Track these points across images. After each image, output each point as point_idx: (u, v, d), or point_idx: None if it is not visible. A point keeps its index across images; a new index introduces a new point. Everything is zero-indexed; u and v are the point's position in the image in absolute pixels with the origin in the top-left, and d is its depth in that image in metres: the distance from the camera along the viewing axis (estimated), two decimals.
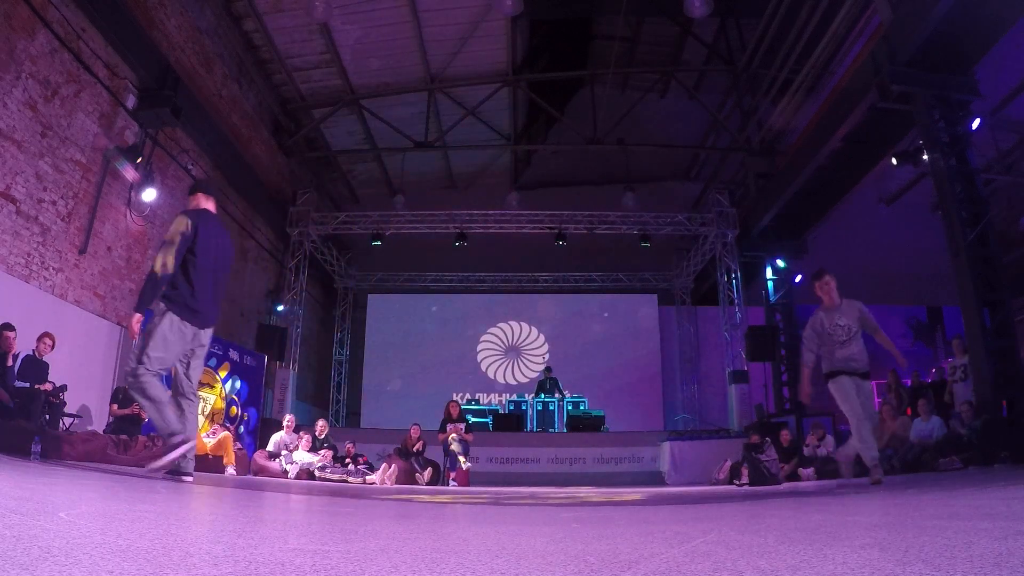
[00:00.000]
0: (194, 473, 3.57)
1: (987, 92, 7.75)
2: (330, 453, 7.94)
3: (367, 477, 7.46)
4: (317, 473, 7.45)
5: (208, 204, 3.82)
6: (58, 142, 6.70)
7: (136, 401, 6.18)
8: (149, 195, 8.09)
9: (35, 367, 5.73)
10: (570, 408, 11.90)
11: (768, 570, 0.95)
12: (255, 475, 7.35)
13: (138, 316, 3.40)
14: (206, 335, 3.62)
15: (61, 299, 6.80)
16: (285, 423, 8.11)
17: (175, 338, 3.43)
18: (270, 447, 7.88)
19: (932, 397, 7.47)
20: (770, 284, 12.80)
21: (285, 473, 7.44)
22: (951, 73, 7.13)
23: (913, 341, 13.62)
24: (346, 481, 7.31)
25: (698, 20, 10.51)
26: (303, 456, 7.66)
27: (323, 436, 8.25)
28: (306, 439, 7.89)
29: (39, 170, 6.45)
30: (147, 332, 3.41)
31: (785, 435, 8.03)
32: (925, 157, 7.54)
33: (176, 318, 3.43)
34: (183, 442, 3.40)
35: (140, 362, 3.34)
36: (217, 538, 1.30)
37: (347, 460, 8.06)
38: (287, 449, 7.77)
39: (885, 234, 12.97)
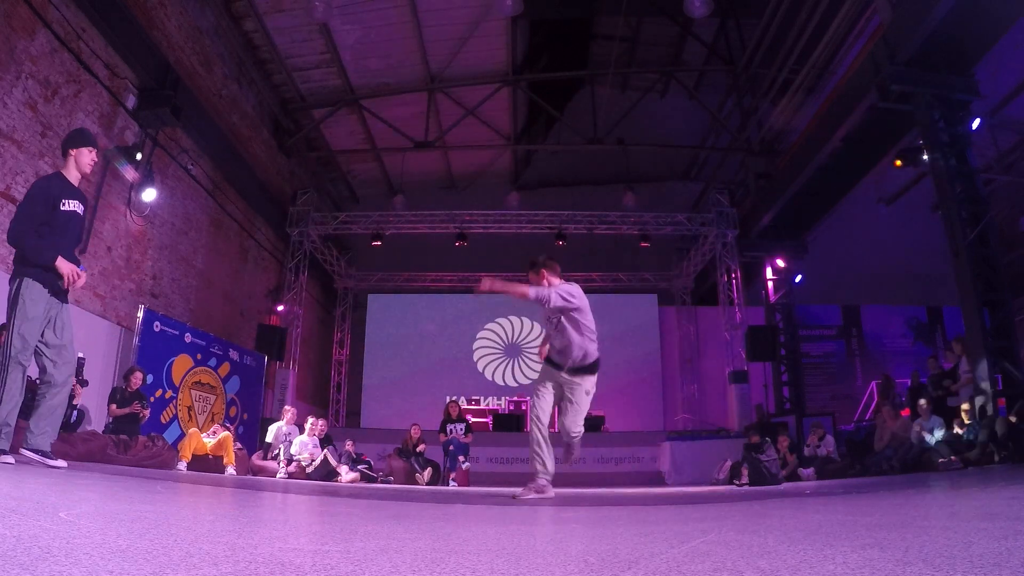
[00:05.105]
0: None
1: (987, 92, 7.76)
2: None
3: (343, 468, 7.44)
4: (308, 469, 7.42)
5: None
6: (58, 142, 6.69)
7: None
8: (149, 195, 8.10)
9: None
10: None
11: (768, 570, 0.95)
12: (254, 475, 7.34)
13: None
14: None
15: None
16: (287, 416, 8.05)
17: None
18: (269, 438, 7.85)
19: (933, 397, 7.42)
20: (770, 284, 12.80)
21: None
22: (951, 73, 7.14)
23: (913, 341, 13.61)
24: (327, 460, 7.35)
25: (698, 20, 10.53)
26: (300, 442, 7.64)
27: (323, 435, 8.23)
28: (320, 426, 7.88)
29: (39, 170, 6.44)
30: None
31: (783, 441, 8.01)
32: (925, 157, 7.54)
33: None
34: None
35: None
36: (217, 538, 1.30)
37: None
38: (288, 441, 7.73)
39: (885, 234, 12.98)
